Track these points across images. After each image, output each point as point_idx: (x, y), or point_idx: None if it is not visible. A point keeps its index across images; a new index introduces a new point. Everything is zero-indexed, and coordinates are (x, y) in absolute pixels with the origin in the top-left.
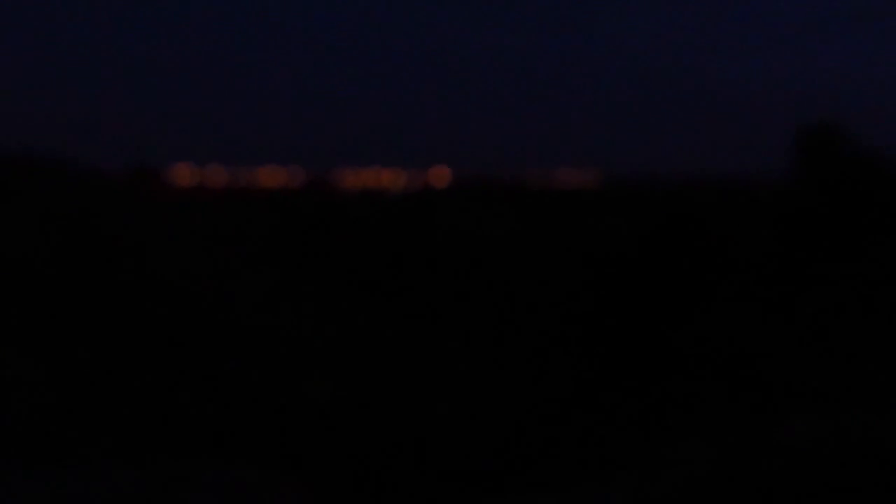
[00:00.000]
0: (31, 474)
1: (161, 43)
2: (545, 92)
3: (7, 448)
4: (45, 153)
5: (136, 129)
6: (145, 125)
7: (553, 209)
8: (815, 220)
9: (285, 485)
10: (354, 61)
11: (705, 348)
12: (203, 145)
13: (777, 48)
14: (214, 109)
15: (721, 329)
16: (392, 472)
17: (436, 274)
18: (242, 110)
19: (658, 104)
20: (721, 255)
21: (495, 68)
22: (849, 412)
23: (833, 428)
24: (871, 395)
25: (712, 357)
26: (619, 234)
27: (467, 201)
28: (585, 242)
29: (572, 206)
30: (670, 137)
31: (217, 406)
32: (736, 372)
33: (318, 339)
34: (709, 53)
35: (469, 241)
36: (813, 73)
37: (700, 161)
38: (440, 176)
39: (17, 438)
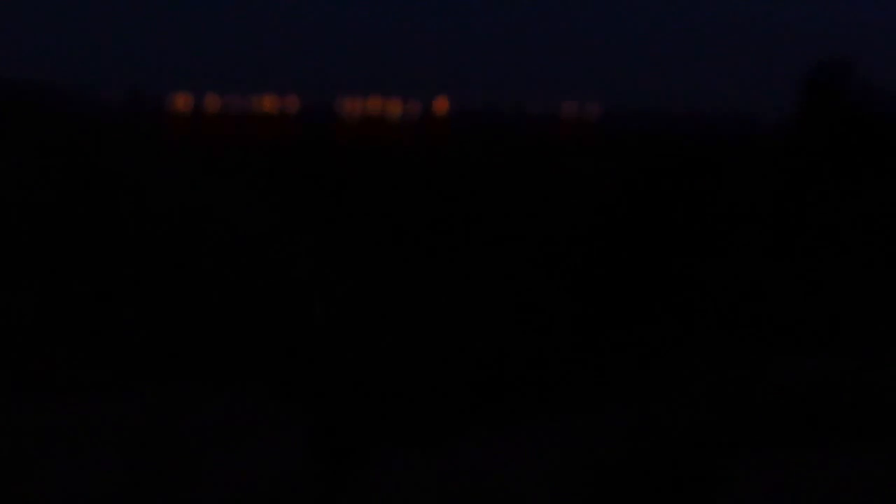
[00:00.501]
0: (28, 402)
1: None
2: (551, 24)
3: (4, 376)
4: (41, 82)
5: (134, 56)
6: (143, 53)
7: (555, 142)
8: (818, 161)
9: (283, 410)
10: None
11: (704, 286)
12: (201, 73)
13: None
14: (213, 37)
15: (720, 268)
16: (390, 400)
17: (435, 204)
18: (242, 37)
19: (667, 39)
20: (723, 195)
21: None
22: (845, 355)
23: (826, 370)
24: (870, 339)
25: (711, 295)
26: (620, 171)
27: (468, 132)
28: (586, 178)
29: (574, 140)
30: (677, 73)
31: (215, 334)
32: (734, 311)
33: (318, 267)
34: None
35: (470, 172)
36: (825, 15)
37: (706, 98)
38: (441, 106)
39: (14, 367)
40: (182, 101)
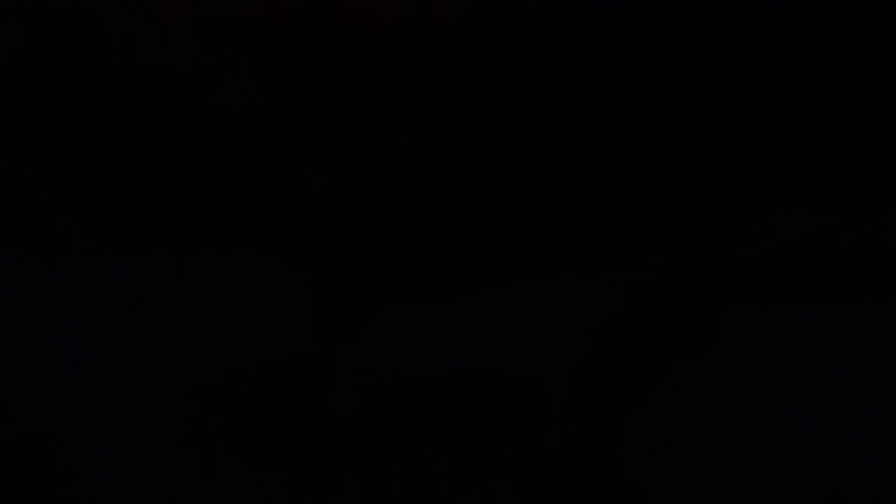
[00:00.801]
0: (29, 267)
1: None
2: None
3: (6, 241)
4: None
5: None
6: None
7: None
8: (828, 14)
9: (285, 270)
10: None
11: (702, 143)
12: None
13: None
14: None
15: (718, 124)
16: (392, 258)
17: (430, 61)
18: None
19: None
20: (727, 45)
21: None
22: (846, 211)
23: (827, 225)
24: (872, 195)
25: (709, 152)
26: (623, 23)
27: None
28: (587, 28)
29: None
30: None
31: (211, 197)
32: (732, 168)
33: (315, 131)
34: None
35: (466, 25)
36: None
37: None
38: None
39: (15, 233)
40: None
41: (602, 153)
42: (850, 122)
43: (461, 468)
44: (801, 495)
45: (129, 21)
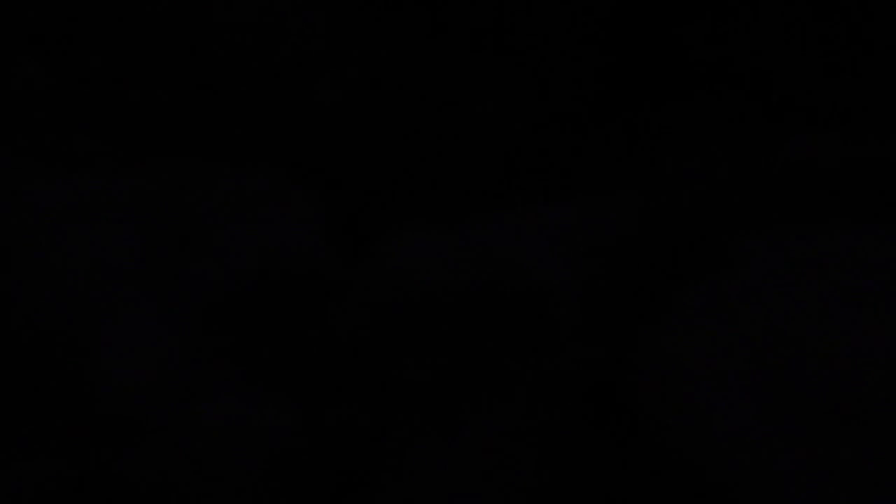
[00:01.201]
0: (43, 176)
1: None
2: None
3: (21, 152)
4: None
5: None
6: None
7: None
8: None
9: (298, 188)
10: None
11: (716, 64)
12: None
13: None
14: None
15: (733, 45)
16: (403, 179)
17: None
18: None
19: None
20: None
21: None
22: (863, 134)
23: (843, 148)
24: (890, 119)
25: (723, 74)
26: None
27: None
28: None
29: None
30: None
31: (226, 113)
32: (747, 89)
33: (329, 47)
34: None
35: None
36: None
37: None
38: None
39: (30, 143)
40: None
41: (613, 74)
42: (864, 46)
43: (469, 388)
44: (813, 417)
45: None
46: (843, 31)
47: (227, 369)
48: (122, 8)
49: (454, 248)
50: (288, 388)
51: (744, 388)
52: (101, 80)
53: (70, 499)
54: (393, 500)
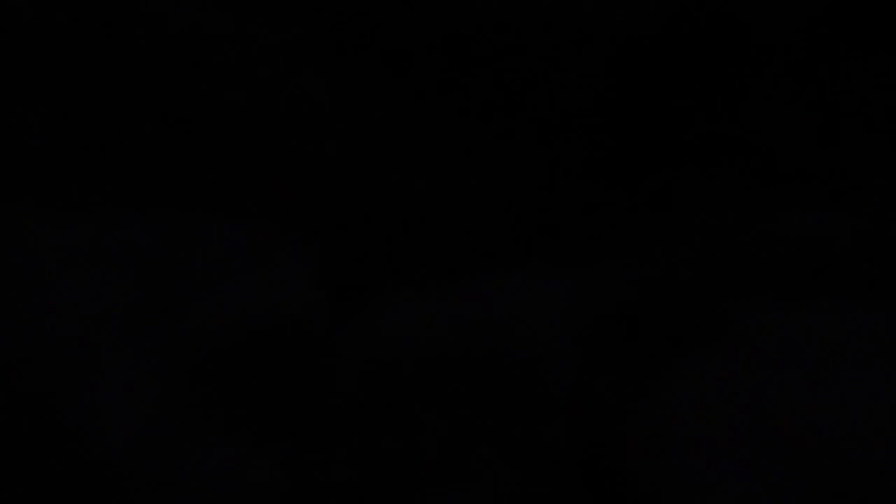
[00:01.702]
0: (42, 223)
1: None
2: None
3: (19, 198)
4: None
5: None
6: None
7: None
8: (853, 7)
9: (292, 244)
10: None
11: (714, 139)
12: None
13: None
14: None
15: (731, 120)
16: (399, 237)
17: (448, 38)
18: None
19: None
20: (750, 40)
21: None
22: (854, 212)
23: (835, 225)
24: (881, 196)
25: (721, 148)
26: (641, 11)
27: None
28: (605, 18)
29: None
30: None
31: (223, 167)
32: (744, 165)
33: (327, 104)
34: None
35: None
36: None
37: None
38: None
39: (29, 190)
40: None
41: (615, 143)
42: (861, 121)
43: (461, 451)
44: (805, 491)
45: None
46: (836, 109)
47: (215, 424)
48: (121, 62)
49: (449, 311)
50: (275, 444)
51: (737, 460)
52: (99, 130)
53: None
54: None
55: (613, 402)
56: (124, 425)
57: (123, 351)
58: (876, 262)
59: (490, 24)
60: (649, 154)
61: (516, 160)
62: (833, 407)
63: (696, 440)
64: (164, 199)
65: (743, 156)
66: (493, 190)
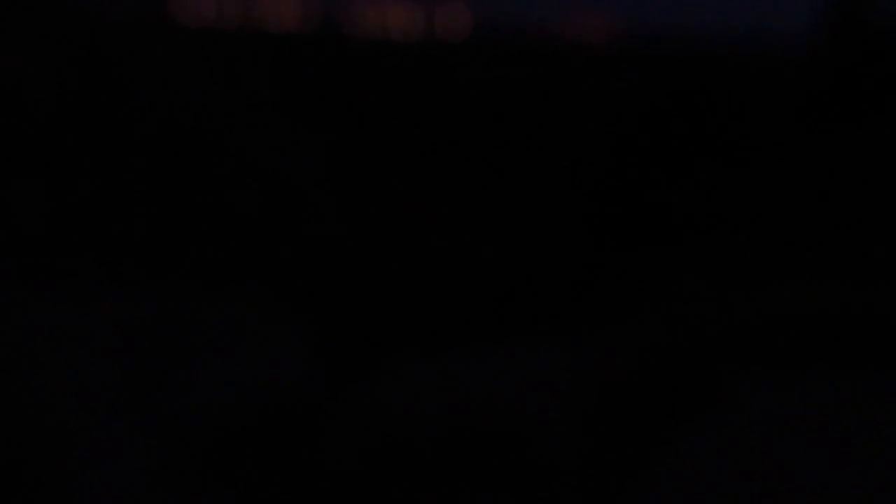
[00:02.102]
0: (35, 299)
1: None
2: None
3: (17, 274)
4: None
5: None
6: None
7: (565, 65)
8: (835, 91)
9: (285, 317)
10: None
11: (708, 210)
12: None
13: None
14: None
15: (723, 193)
16: (392, 310)
17: (448, 125)
18: None
19: None
20: (734, 122)
21: None
22: (849, 282)
23: (829, 295)
24: (873, 266)
25: (715, 219)
26: (630, 95)
27: (484, 49)
28: (595, 102)
29: (583, 63)
30: None
31: (219, 243)
32: (737, 236)
33: (323, 183)
34: None
35: (483, 93)
36: None
37: (721, 17)
38: (456, 15)
39: (23, 264)
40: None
41: (611, 214)
42: (854, 194)
43: None
44: None
45: (143, 59)
46: (828, 187)
47: (212, 501)
48: (113, 140)
49: (445, 384)
50: None
51: None
52: (95, 206)
53: None
54: None
55: (612, 473)
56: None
57: (117, 429)
58: (869, 332)
59: (482, 104)
60: (646, 226)
61: (512, 233)
62: (830, 477)
63: None
64: (156, 276)
65: (739, 228)
66: (489, 262)
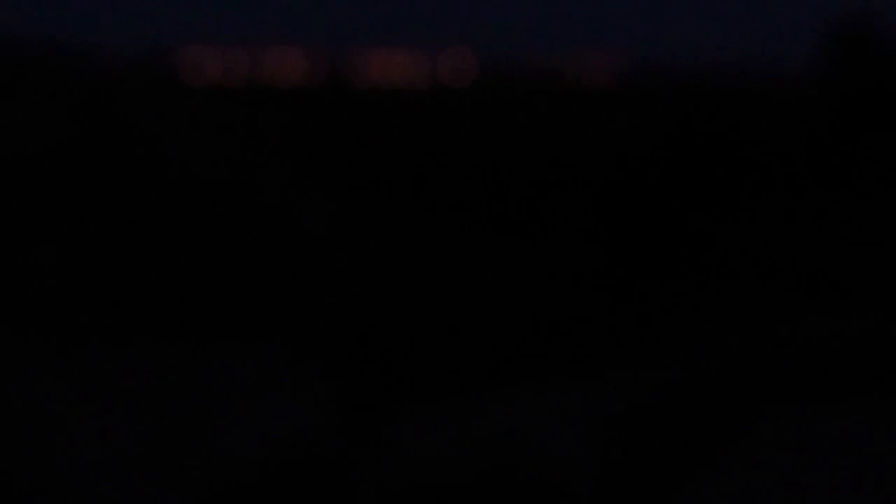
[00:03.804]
0: (51, 357)
1: None
2: None
3: (30, 330)
4: (59, 39)
5: (144, 10)
6: (154, 5)
7: (571, 102)
8: (843, 122)
9: (304, 367)
10: None
11: (728, 243)
12: (217, 25)
13: None
14: None
15: (744, 225)
16: (411, 356)
17: (455, 166)
18: None
19: None
20: (743, 155)
21: None
22: (871, 314)
23: (852, 328)
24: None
25: (735, 252)
26: (638, 131)
27: (488, 93)
28: (603, 139)
29: (589, 100)
30: (697, 23)
31: (234, 292)
32: (757, 269)
33: (336, 234)
34: None
35: (489, 135)
36: None
37: (725, 50)
38: (461, 61)
39: (36, 322)
40: (199, 56)
41: (628, 249)
42: (876, 224)
43: None
44: None
45: (152, 109)
46: (850, 223)
47: None
48: (123, 198)
49: (465, 428)
50: None
51: None
52: (106, 261)
53: None
54: None
55: None
56: None
57: (137, 488)
58: (888, 358)
59: (495, 146)
60: (661, 258)
61: (524, 275)
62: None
63: None
64: (171, 331)
65: (754, 263)
66: (502, 304)
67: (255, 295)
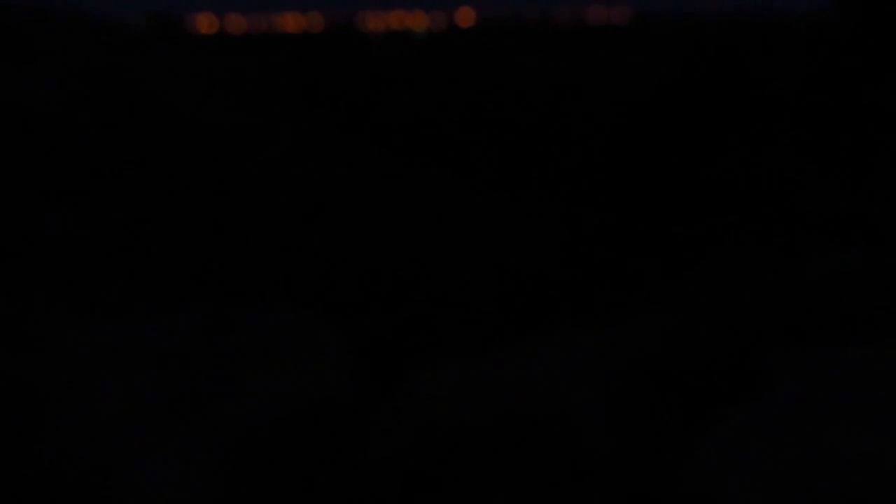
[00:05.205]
0: (77, 323)
1: None
2: None
3: (54, 299)
4: (63, 4)
5: None
6: None
7: (581, 47)
8: (855, 56)
9: (324, 329)
10: None
11: (736, 186)
12: None
13: None
14: None
15: (753, 167)
16: (428, 312)
17: (461, 118)
18: None
19: None
20: (755, 91)
21: None
22: (885, 250)
23: (867, 264)
24: None
25: (742, 196)
26: (649, 71)
27: (493, 41)
28: (615, 80)
29: (601, 44)
30: None
31: (249, 254)
32: (767, 211)
33: (343, 188)
34: None
35: (496, 83)
36: None
37: None
38: (464, 17)
39: (62, 291)
40: (205, 21)
41: (636, 199)
42: (886, 163)
43: None
44: None
45: (160, 76)
46: (864, 157)
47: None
48: (148, 163)
49: (479, 378)
50: None
51: None
52: (129, 229)
53: None
54: None
55: (649, 458)
56: None
57: (162, 443)
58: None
59: (499, 96)
60: (668, 206)
61: (536, 226)
62: (872, 450)
63: (738, 495)
64: (194, 293)
65: (763, 203)
66: (515, 257)
67: (274, 257)
